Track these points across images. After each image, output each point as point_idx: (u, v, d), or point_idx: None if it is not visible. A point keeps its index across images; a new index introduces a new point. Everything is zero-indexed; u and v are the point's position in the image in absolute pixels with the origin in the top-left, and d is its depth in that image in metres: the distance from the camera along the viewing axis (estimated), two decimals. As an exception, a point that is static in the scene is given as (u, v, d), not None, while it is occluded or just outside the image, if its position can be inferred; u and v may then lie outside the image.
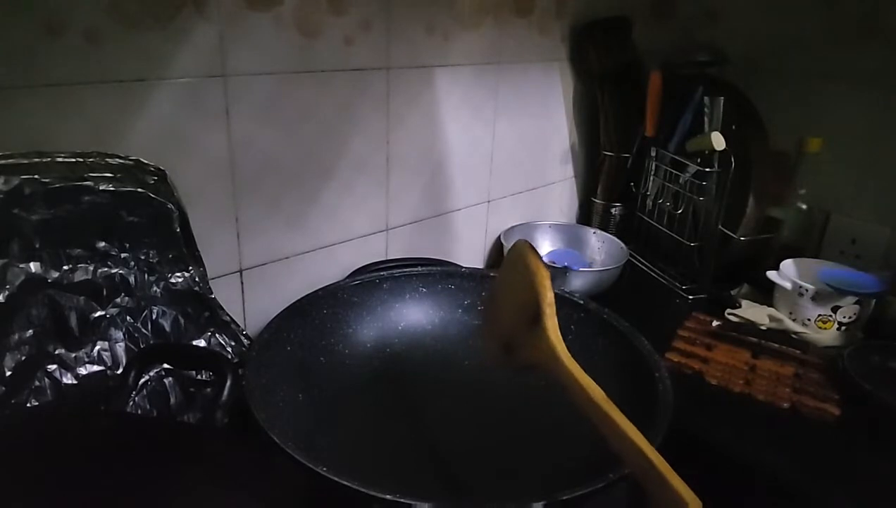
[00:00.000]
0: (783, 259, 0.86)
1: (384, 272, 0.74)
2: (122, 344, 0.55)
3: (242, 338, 0.63)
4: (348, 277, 0.77)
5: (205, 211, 0.64)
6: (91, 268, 0.53)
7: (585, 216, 1.15)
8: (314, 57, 0.69)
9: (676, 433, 0.48)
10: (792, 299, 0.82)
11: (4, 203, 0.47)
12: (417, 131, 0.83)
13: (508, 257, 0.53)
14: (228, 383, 0.52)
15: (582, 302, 0.68)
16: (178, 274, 0.59)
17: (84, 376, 0.53)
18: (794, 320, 0.80)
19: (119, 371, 0.54)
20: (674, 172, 0.96)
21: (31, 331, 0.50)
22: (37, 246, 0.50)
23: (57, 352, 0.52)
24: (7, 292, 0.49)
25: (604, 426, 0.39)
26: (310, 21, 0.67)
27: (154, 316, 0.57)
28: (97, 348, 0.54)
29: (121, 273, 0.55)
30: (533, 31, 0.93)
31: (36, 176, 0.49)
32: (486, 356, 0.53)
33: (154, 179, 0.56)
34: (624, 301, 0.85)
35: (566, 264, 0.95)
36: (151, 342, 0.57)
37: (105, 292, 0.54)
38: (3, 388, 0.48)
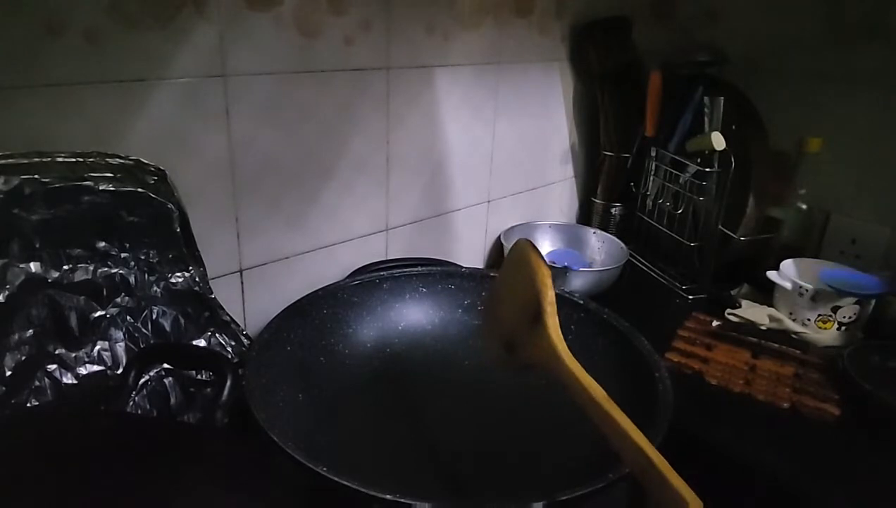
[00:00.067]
0: (783, 259, 0.86)
1: (384, 272, 0.74)
2: (122, 344, 0.55)
3: (242, 338, 0.63)
4: (348, 277, 0.77)
5: (205, 211, 0.64)
6: (91, 268, 0.53)
7: (585, 216, 1.15)
8: (314, 57, 0.69)
9: (676, 433, 0.48)
10: (792, 299, 0.82)
11: (4, 203, 0.47)
12: (417, 131, 0.83)
13: (510, 256, 0.53)
14: (228, 383, 0.52)
15: (582, 302, 0.68)
16: (178, 274, 0.59)
17: (84, 376, 0.52)
18: (794, 320, 0.80)
19: (119, 371, 0.54)
20: (674, 172, 0.96)
21: (31, 331, 0.50)
22: (37, 246, 0.50)
23: (57, 352, 0.52)
24: (7, 292, 0.49)
25: (604, 426, 0.39)
26: (310, 21, 0.67)
27: (154, 316, 0.57)
28: (97, 348, 0.54)
29: (121, 273, 0.55)
30: (533, 31, 0.93)
31: (36, 176, 0.49)
32: (487, 356, 0.53)
33: (154, 179, 0.56)
34: (624, 301, 0.85)
35: (566, 264, 0.95)
36: (151, 342, 0.57)
37: (105, 292, 0.54)
38: (3, 388, 0.48)
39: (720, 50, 0.99)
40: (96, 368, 0.53)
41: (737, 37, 1.04)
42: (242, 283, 0.71)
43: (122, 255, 0.55)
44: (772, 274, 0.84)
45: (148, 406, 0.55)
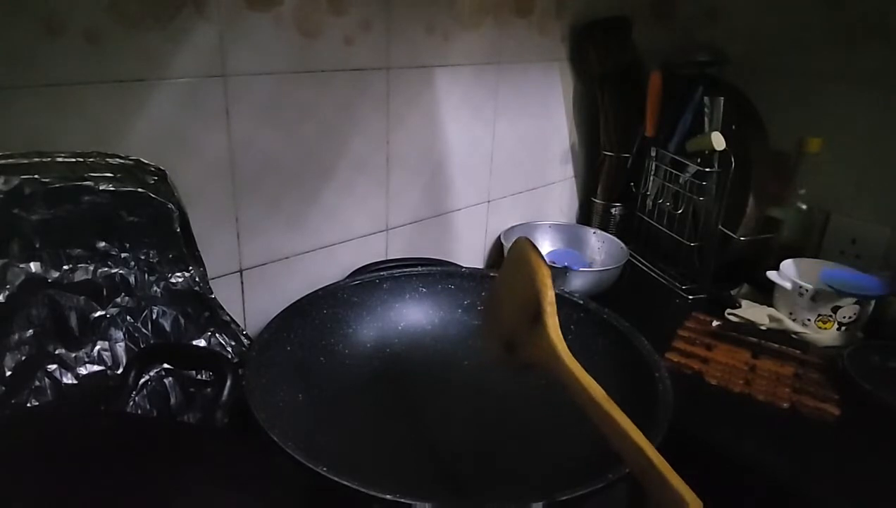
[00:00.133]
0: (783, 259, 0.86)
1: (384, 272, 0.74)
2: (122, 344, 0.55)
3: (242, 338, 0.63)
4: (348, 277, 0.77)
5: (205, 211, 0.64)
6: (91, 268, 0.53)
7: (585, 216, 1.15)
8: (314, 57, 0.69)
9: (676, 434, 0.48)
10: (792, 299, 0.82)
11: (4, 203, 0.47)
12: (417, 131, 0.83)
13: (510, 255, 0.53)
14: (228, 383, 0.52)
15: (582, 302, 0.68)
16: (178, 274, 0.59)
17: (84, 376, 0.53)
18: (794, 320, 0.80)
19: (119, 371, 0.54)
20: (674, 172, 0.96)
21: (31, 331, 0.50)
22: (37, 246, 0.50)
23: (57, 352, 0.52)
24: (7, 292, 0.49)
25: (604, 426, 0.39)
26: (310, 21, 0.67)
27: (154, 316, 0.57)
28: (97, 348, 0.54)
29: (121, 273, 0.55)
30: (533, 31, 0.93)
31: (36, 176, 0.49)
32: (487, 355, 0.53)
33: (154, 179, 0.56)
34: (624, 301, 0.85)
35: (566, 264, 0.95)
36: (151, 342, 0.57)
37: (105, 292, 0.54)
38: (3, 388, 0.48)
39: (720, 50, 0.99)
40: (96, 368, 0.53)
41: (737, 37, 1.04)
42: (242, 283, 0.71)
43: (122, 255, 0.55)
44: (772, 274, 0.84)
45: (148, 406, 0.55)
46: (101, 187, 0.52)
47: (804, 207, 0.92)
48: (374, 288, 0.72)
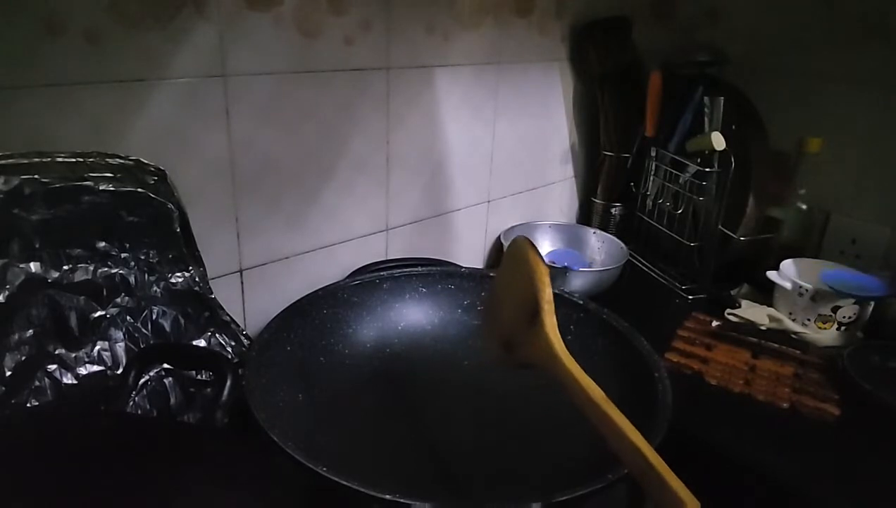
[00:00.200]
0: (783, 259, 0.86)
1: (384, 272, 0.74)
2: (122, 344, 0.55)
3: (242, 338, 0.63)
4: (348, 277, 0.77)
5: (205, 211, 0.64)
6: (91, 268, 0.53)
7: (585, 216, 1.15)
8: (314, 57, 0.69)
9: (676, 434, 0.48)
10: (792, 299, 0.82)
11: (4, 203, 0.47)
12: (417, 131, 0.83)
13: (507, 254, 0.53)
14: (228, 383, 0.52)
15: (582, 302, 0.68)
16: (178, 274, 0.59)
17: (84, 376, 0.53)
18: (793, 320, 0.80)
19: (119, 371, 0.54)
20: (674, 172, 0.96)
21: (31, 331, 0.50)
22: (37, 246, 0.50)
23: (57, 352, 0.52)
24: (7, 292, 0.49)
25: (602, 426, 0.39)
26: (310, 21, 0.67)
27: (154, 316, 0.57)
28: (97, 348, 0.54)
29: (121, 273, 0.55)
30: (533, 31, 0.93)
31: (36, 176, 0.49)
32: (487, 355, 0.53)
33: (154, 179, 0.56)
34: (624, 301, 0.85)
35: (566, 264, 0.95)
36: (151, 342, 0.57)
37: (105, 292, 0.54)
38: (3, 388, 0.48)
39: (720, 50, 0.99)
40: (96, 368, 0.53)
41: (737, 37, 1.04)
42: (242, 283, 0.71)
43: (122, 255, 0.55)
44: (772, 274, 0.84)
45: (148, 406, 0.55)
46: (101, 187, 0.52)
47: (804, 207, 0.92)
48: (374, 288, 0.72)
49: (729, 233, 0.89)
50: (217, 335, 0.61)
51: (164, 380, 0.56)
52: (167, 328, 0.58)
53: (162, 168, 0.57)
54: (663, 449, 0.38)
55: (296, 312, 0.64)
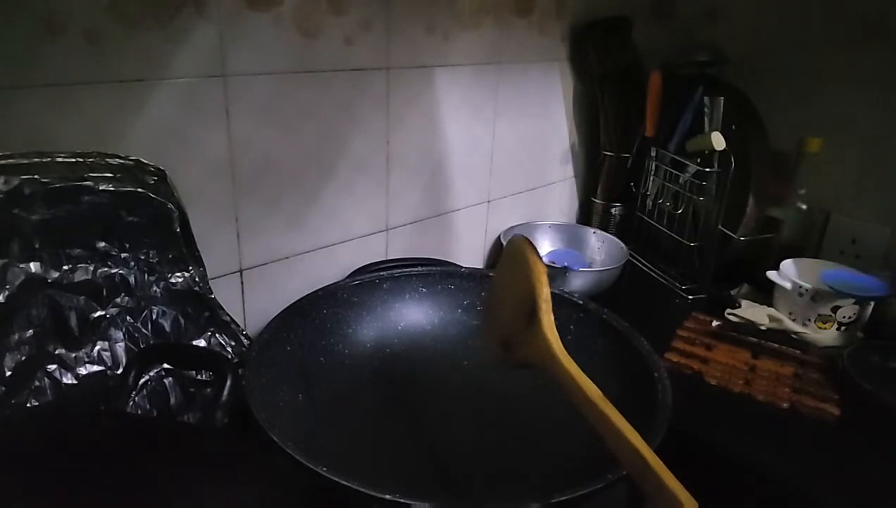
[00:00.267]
0: (783, 259, 0.86)
1: (384, 272, 0.74)
2: (122, 344, 0.55)
3: (242, 338, 0.63)
4: (348, 277, 0.77)
5: (205, 211, 0.64)
6: (91, 268, 0.53)
7: (585, 216, 1.15)
8: (314, 57, 0.69)
9: (676, 434, 0.48)
10: (792, 299, 0.82)
11: (4, 203, 0.47)
12: (417, 131, 0.83)
13: (505, 253, 0.53)
14: (228, 383, 0.52)
15: (581, 302, 0.68)
16: (178, 274, 0.59)
17: (84, 376, 0.53)
18: (793, 320, 0.80)
19: (119, 371, 0.54)
20: (674, 172, 0.96)
21: (31, 331, 0.50)
22: (37, 246, 0.50)
23: (57, 352, 0.52)
24: (7, 292, 0.49)
25: (600, 425, 0.39)
26: (310, 21, 0.67)
27: (154, 316, 0.57)
28: (97, 348, 0.54)
29: (121, 273, 0.55)
30: (533, 31, 0.93)
31: (36, 176, 0.49)
32: (486, 355, 0.53)
33: (154, 179, 0.56)
34: (624, 301, 0.85)
35: (566, 264, 0.95)
36: (151, 342, 0.57)
37: (105, 292, 0.54)
38: (3, 388, 0.48)
39: (720, 50, 0.99)
40: (96, 368, 0.53)
41: (737, 37, 1.04)
42: (242, 283, 0.71)
43: (122, 255, 0.55)
44: (772, 274, 0.84)
45: (148, 406, 0.55)
46: (100, 187, 0.52)
47: (804, 207, 0.92)
48: (374, 288, 0.72)
49: (729, 233, 0.89)
50: (217, 335, 0.61)
51: (164, 380, 0.56)
52: (167, 328, 0.58)
53: (162, 168, 0.57)
54: (663, 449, 0.38)
55: (296, 312, 0.64)
